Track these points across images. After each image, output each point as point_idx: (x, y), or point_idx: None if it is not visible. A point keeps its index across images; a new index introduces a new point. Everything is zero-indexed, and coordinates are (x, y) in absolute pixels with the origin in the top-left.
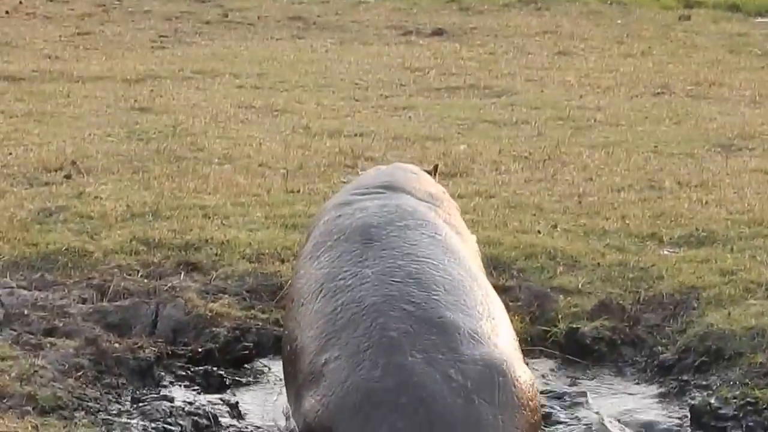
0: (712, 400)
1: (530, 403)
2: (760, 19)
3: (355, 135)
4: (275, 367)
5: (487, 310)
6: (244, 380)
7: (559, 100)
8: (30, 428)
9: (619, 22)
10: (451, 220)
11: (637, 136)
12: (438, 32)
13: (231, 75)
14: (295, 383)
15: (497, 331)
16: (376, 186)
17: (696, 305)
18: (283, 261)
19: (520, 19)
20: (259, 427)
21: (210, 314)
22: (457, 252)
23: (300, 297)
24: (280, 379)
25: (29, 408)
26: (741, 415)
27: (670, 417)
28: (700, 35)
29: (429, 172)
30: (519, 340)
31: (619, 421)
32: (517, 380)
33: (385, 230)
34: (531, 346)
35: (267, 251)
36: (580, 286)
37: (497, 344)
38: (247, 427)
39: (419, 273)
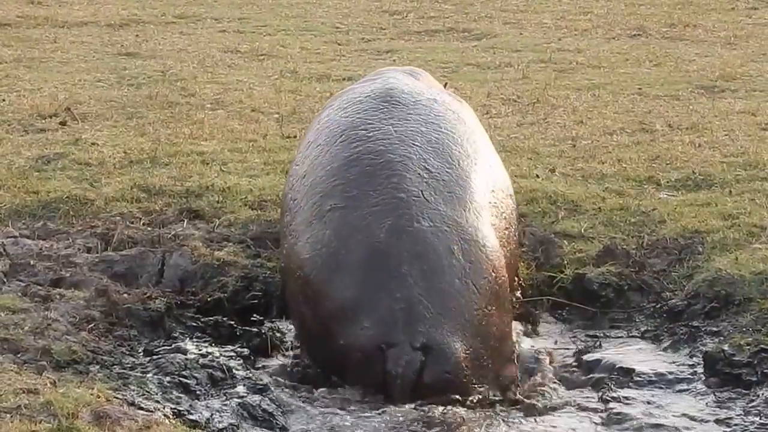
0: (725, 347)
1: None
2: None
3: (343, 79)
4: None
5: (494, 193)
6: (254, 330)
7: (538, 42)
8: (49, 384)
9: None
10: (471, 114)
11: (620, 79)
12: None
13: (212, 19)
14: (294, 218)
15: (500, 217)
16: (403, 70)
17: (701, 250)
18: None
19: None
20: (272, 380)
21: (217, 263)
22: (476, 133)
23: (318, 138)
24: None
25: (45, 362)
26: (755, 362)
27: (682, 364)
28: None
29: None
30: (525, 287)
31: (631, 368)
32: (503, 277)
33: (413, 98)
34: (538, 292)
35: (269, 198)
36: (582, 231)
37: (500, 232)
38: (260, 380)
39: (439, 143)
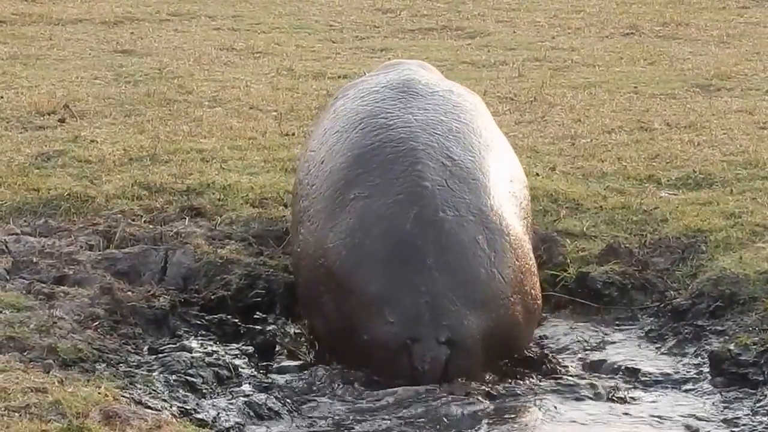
0: (731, 346)
1: (534, 288)
2: None
3: (339, 77)
4: (288, 316)
5: (513, 182)
6: (258, 328)
7: (532, 41)
8: (57, 383)
9: None
10: (484, 107)
11: (615, 77)
12: None
13: (206, 17)
14: (313, 204)
15: (519, 206)
16: (415, 63)
17: (705, 249)
18: (286, 206)
19: None
20: (278, 378)
21: (220, 261)
22: (492, 125)
23: (335, 125)
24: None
25: (51, 361)
26: (762, 361)
27: (687, 363)
28: None
29: None
30: None
31: (635, 368)
32: (527, 264)
33: (430, 89)
34: (542, 291)
35: (270, 196)
36: (585, 229)
37: (520, 219)
38: (266, 378)
39: (460, 132)
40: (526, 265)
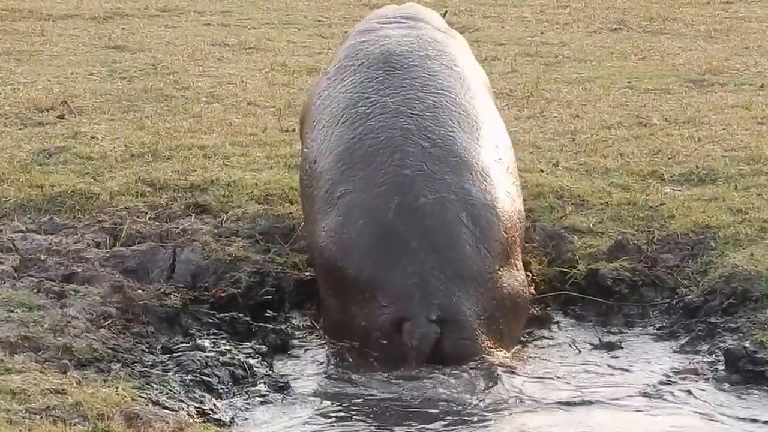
0: (747, 344)
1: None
2: None
3: None
4: (298, 314)
5: (498, 148)
6: (269, 326)
7: (521, 36)
8: (75, 384)
9: None
10: (465, 52)
11: (608, 72)
12: None
13: (195, 12)
14: (312, 207)
15: (505, 173)
16: (397, 16)
17: (714, 245)
18: (291, 202)
19: None
20: (291, 377)
21: (229, 258)
22: (472, 84)
23: (322, 119)
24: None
25: (67, 361)
26: None
27: (702, 360)
28: None
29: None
30: (537, 282)
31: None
32: (514, 237)
33: (407, 59)
34: (551, 288)
35: (274, 192)
36: (591, 226)
37: (507, 188)
38: (282, 378)
39: (437, 106)
40: (513, 236)
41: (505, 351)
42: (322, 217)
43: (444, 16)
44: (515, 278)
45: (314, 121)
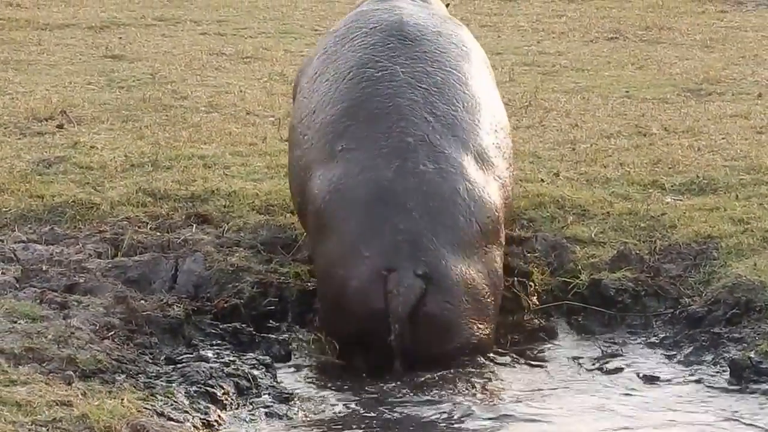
0: (751, 354)
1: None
2: None
3: None
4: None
5: (497, 132)
6: (273, 337)
7: (518, 45)
8: (80, 395)
9: None
10: (470, 36)
11: (606, 81)
12: None
13: (192, 22)
14: (305, 155)
15: (501, 158)
16: None
17: (716, 255)
18: (293, 213)
19: None
20: (296, 388)
21: (231, 269)
22: (478, 66)
23: (327, 72)
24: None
25: (71, 372)
26: None
27: (705, 370)
28: None
29: None
30: (540, 292)
31: (653, 375)
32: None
33: (420, 31)
34: (553, 298)
35: (276, 203)
36: (593, 236)
37: (500, 172)
38: (286, 389)
39: (444, 83)
40: (501, 219)
41: (485, 327)
42: (319, 167)
43: (447, 7)
44: (499, 258)
45: (317, 73)
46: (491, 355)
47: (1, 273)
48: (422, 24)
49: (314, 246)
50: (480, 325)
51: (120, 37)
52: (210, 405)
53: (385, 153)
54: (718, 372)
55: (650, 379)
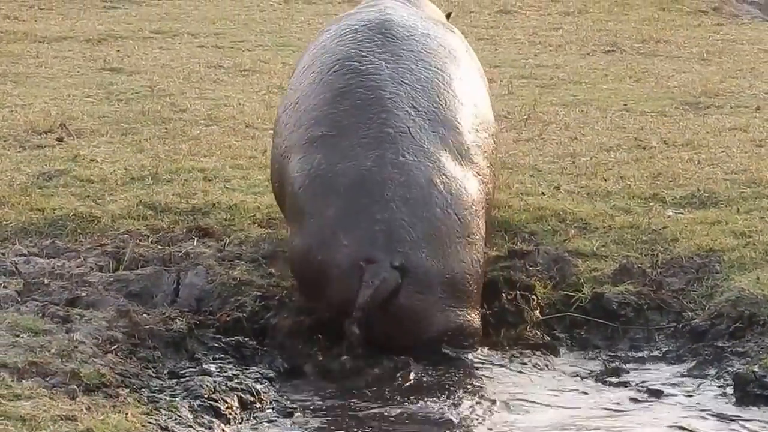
0: (756, 368)
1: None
2: None
3: None
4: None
5: (478, 132)
6: (276, 351)
7: (515, 58)
8: (84, 410)
9: None
10: (464, 43)
11: (604, 95)
12: None
13: (189, 34)
14: (286, 139)
15: (482, 156)
16: (404, 0)
17: (719, 269)
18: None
19: None
20: (300, 403)
21: (233, 282)
22: (467, 69)
23: (314, 65)
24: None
25: (75, 386)
26: None
27: (709, 384)
28: None
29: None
30: (542, 306)
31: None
32: (483, 210)
33: (408, 32)
34: (555, 311)
35: (277, 216)
36: (595, 249)
37: (480, 169)
38: (290, 403)
39: (428, 82)
40: (481, 211)
41: (464, 316)
42: (299, 151)
43: (448, 17)
44: (480, 248)
45: (304, 67)
46: (492, 367)
47: (3, 286)
48: (411, 25)
49: (291, 227)
50: (458, 314)
51: (118, 50)
52: (214, 419)
53: (365, 142)
54: (722, 386)
55: (654, 393)
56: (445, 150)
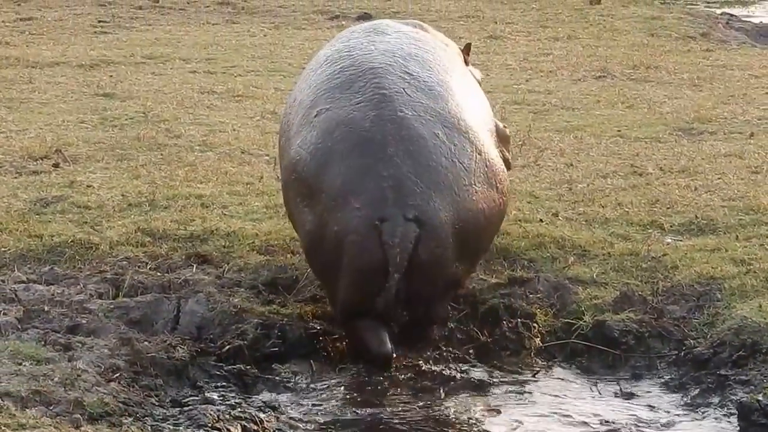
0: (760, 397)
1: (498, 183)
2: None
3: None
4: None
5: (473, 98)
6: (277, 379)
7: (507, 83)
8: None
9: (534, 6)
10: (457, 51)
11: (597, 121)
12: (364, 16)
13: (180, 60)
14: (286, 133)
15: (481, 119)
16: (403, 22)
17: (720, 297)
18: (293, 253)
19: (439, 4)
20: (302, 429)
21: (234, 310)
22: (456, 61)
23: (309, 66)
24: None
25: (78, 415)
26: None
27: (713, 413)
28: (615, 19)
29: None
30: (544, 334)
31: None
32: (490, 160)
33: (397, 29)
34: (556, 339)
35: (276, 243)
36: (594, 276)
37: (477, 124)
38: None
39: (420, 55)
40: (489, 160)
41: (470, 264)
42: (296, 136)
43: (467, 49)
44: (494, 201)
45: (306, 71)
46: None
47: (3, 313)
48: (404, 31)
49: (300, 215)
50: (469, 267)
51: (111, 75)
52: None
53: (360, 106)
54: (725, 414)
55: (656, 421)
56: (445, 104)
